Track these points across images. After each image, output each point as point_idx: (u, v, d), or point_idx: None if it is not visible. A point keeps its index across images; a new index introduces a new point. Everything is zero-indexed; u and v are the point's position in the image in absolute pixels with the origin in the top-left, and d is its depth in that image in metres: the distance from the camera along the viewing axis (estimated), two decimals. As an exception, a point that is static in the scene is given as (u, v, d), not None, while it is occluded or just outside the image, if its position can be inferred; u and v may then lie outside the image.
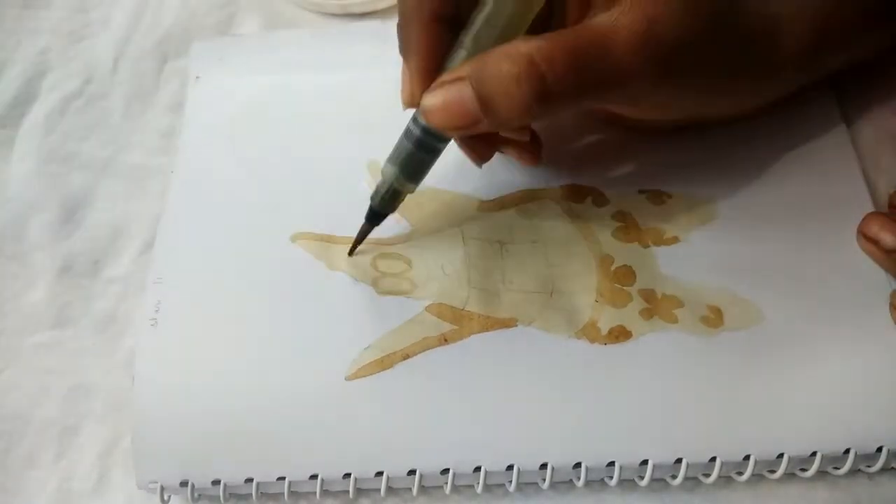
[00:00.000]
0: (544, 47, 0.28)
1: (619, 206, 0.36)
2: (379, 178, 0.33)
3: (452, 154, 0.36)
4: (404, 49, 0.31)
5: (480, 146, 0.34)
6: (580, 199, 0.36)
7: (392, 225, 0.35)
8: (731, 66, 0.32)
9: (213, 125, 0.39)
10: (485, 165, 0.34)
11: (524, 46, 0.28)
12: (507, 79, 0.28)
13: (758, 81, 0.34)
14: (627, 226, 0.35)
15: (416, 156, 0.32)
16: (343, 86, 0.40)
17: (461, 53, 0.30)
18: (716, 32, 0.30)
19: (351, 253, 0.34)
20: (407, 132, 0.31)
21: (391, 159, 0.32)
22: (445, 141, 0.31)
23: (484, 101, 0.29)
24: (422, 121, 0.30)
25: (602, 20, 0.29)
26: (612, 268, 0.34)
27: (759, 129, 0.37)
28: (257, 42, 0.42)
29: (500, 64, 0.28)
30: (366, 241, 0.35)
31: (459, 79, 0.29)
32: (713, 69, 0.31)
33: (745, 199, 0.35)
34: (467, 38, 0.30)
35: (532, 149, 0.35)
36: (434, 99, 0.30)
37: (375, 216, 0.34)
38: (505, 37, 0.29)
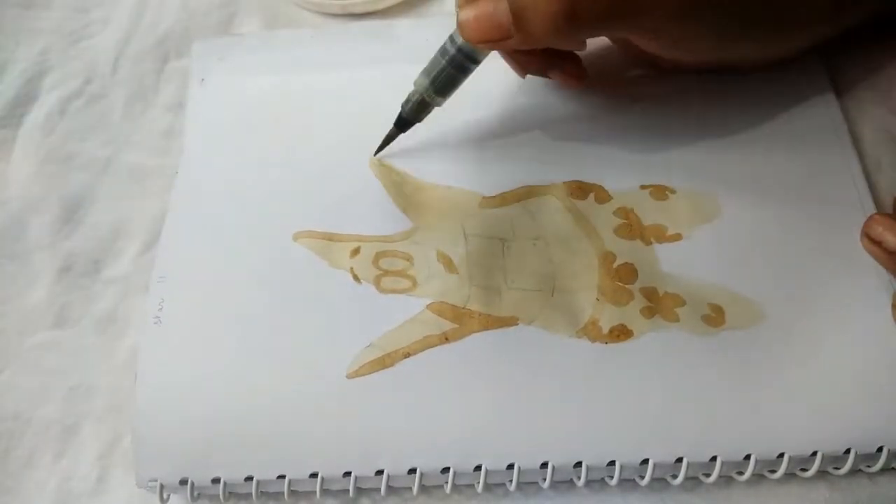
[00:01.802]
0: None
1: (622, 202, 0.36)
2: (379, 173, 0.33)
3: (453, 150, 0.36)
4: None
5: (521, 57, 0.36)
6: (582, 195, 0.36)
7: (393, 221, 0.35)
8: (748, 10, 0.33)
9: (214, 124, 0.39)
10: (486, 161, 0.34)
11: None
12: None
13: (777, 30, 0.34)
14: (630, 222, 0.35)
15: (448, 71, 0.34)
16: (343, 85, 0.40)
17: None
18: None
19: (376, 153, 0.37)
20: (442, 49, 0.34)
21: (425, 71, 0.35)
22: (476, 62, 0.34)
23: (516, 16, 0.30)
24: (458, 39, 0.33)
25: None
26: (614, 265, 0.34)
27: (760, 129, 0.37)
28: (258, 42, 0.42)
29: None
30: (367, 238, 0.35)
31: None
32: (729, 12, 0.32)
33: (746, 198, 0.35)
34: None
35: (576, 71, 0.36)
36: (468, 13, 0.31)
37: (403, 122, 0.36)
38: None
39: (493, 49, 0.33)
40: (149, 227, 0.39)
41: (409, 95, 0.35)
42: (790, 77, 0.38)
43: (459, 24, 0.32)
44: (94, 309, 0.37)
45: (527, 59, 0.36)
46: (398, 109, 0.36)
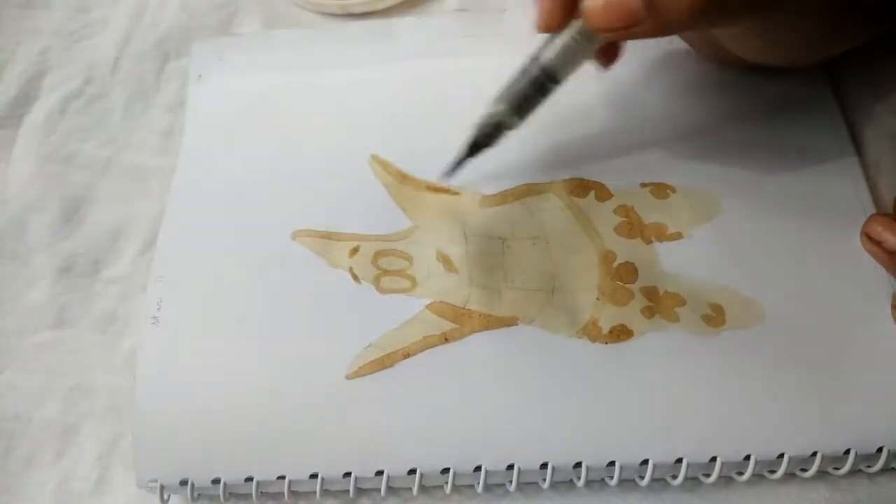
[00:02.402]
0: None
1: (622, 201, 0.36)
2: (379, 172, 0.33)
3: (453, 149, 0.36)
4: None
5: (612, 49, 0.34)
6: (583, 193, 0.36)
7: (393, 221, 0.35)
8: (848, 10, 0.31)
9: (213, 124, 0.39)
10: (485, 160, 0.34)
11: None
12: None
13: (846, 31, 0.33)
14: (630, 221, 0.35)
15: (528, 93, 0.32)
16: (343, 84, 0.40)
17: None
18: None
19: (445, 177, 0.35)
20: (523, 69, 0.32)
21: (502, 94, 0.33)
22: (558, 83, 0.32)
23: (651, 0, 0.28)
24: (542, 58, 0.32)
25: None
26: (614, 265, 0.34)
27: (761, 129, 0.37)
28: (258, 42, 0.42)
29: None
30: (366, 237, 0.35)
31: None
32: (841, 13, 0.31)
33: (747, 198, 0.35)
34: None
35: (616, 50, 0.35)
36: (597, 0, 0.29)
37: (476, 146, 0.34)
38: None
39: (618, 38, 0.31)
40: (149, 227, 0.39)
41: (485, 118, 0.33)
42: (790, 77, 0.38)
43: (586, 13, 0.30)
44: (94, 309, 0.37)
45: (614, 48, 0.34)
46: (398, 108, 0.36)
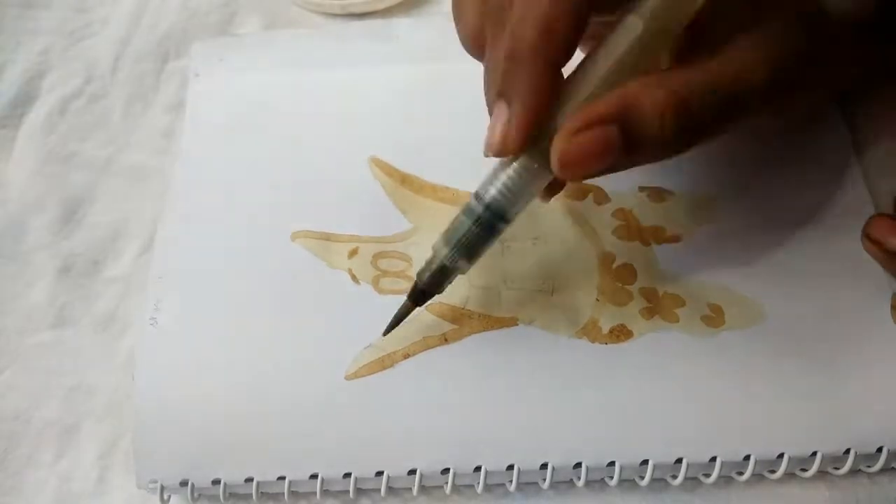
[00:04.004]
0: (693, 79, 0.26)
1: (620, 204, 0.36)
2: (378, 174, 0.33)
3: (453, 150, 0.36)
4: (507, 88, 0.26)
5: (558, 182, 0.30)
6: (581, 196, 0.36)
7: (392, 222, 0.35)
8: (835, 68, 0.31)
9: (213, 124, 0.39)
10: (485, 162, 0.34)
11: (671, 79, 0.26)
12: (658, 115, 0.25)
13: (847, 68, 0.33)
14: (628, 223, 0.35)
15: (475, 233, 0.29)
16: (343, 85, 0.40)
17: (585, 88, 0.26)
18: (828, 45, 0.29)
19: (385, 333, 0.32)
20: (466, 209, 0.29)
21: (444, 236, 0.29)
22: (508, 222, 0.29)
23: (631, 143, 0.25)
24: (485, 196, 0.28)
25: (741, 54, 0.27)
26: (613, 266, 0.34)
27: (758, 130, 0.37)
28: (258, 42, 0.42)
29: (651, 98, 0.25)
30: (366, 239, 0.35)
31: (600, 120, 0.25)
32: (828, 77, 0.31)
33: (746, 198, 0.35)
34: (593, 73, 0.26)
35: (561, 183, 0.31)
36: (573, 146, 0.26)
37: (421, 295, 0.31)
38: (639, 66, 0.26)
39: (586, 178, 0.28)
40: (149, 227, 0.39)
41: (427, 263, 0.30)
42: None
43: (560, 159, 0.26)
44: (94, 309, 0.37)
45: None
46: (397, 108, 0.36)
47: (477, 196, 0.29)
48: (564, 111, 0.26)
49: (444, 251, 0.29)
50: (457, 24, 0.30)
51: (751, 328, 0.32)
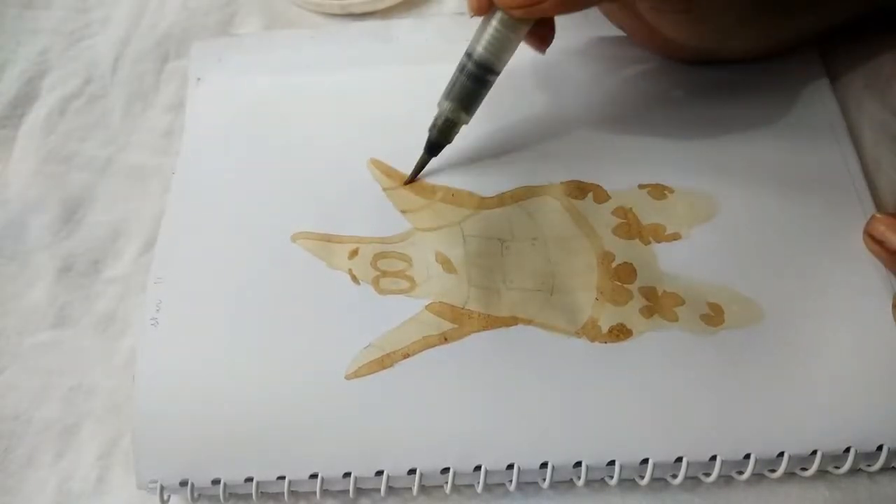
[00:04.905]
0: None
1: (620, 202, 0.36)
2: (378, 174, 0.33)
3: (453, 151, 0.36)
4: None
5: (541, 30, 0.34)
6: (581, 194, 0.36)
7: (392, 223, 0.35)
8: None
9: (213, 125, 0.39)
10: (484, 162, 0.34)
11: None
12: None
13: (777, 16, 0.34)
14: (628, 222, 0.35)
15: (467, 86, 0.34)
16: (343, 85, 0.40)
17: None
18: None
19: (408, 182, 0.36)
20: (460, 65, 0.34)
21: (445, 92, 0.35)
22: (495, 73, 0.34)
23: None
24: (473, 52, 0.33)
25: None
26: (613, 265, 0.34)
27: (760, 128, 0.37)
28: (257, 42, 0.42)
29: None
30: (366, 239, 0.35)
31: None
32: None
33: (746, 197, 0.35)
34: None
35: (546, 32, 0.35)
36: None
37: (433, 146, 0.36)
38: None
39: (526, 16, 0.32)
40: (149, 227, 0.39)
41: (434, 119, 0.35)
42: (788, 76, 0.38)
43: None
44: (94, 309, 0.37)
45: (543, 28, 0.35)
46: (397, 109, 0.36)
47: (467, 53, 0.34)
48: None
49: (446, 104, 0.35)
50: None
51: (750, 327, 0.32)
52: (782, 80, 0.38)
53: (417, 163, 0.36)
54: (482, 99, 0.35)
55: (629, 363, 0.32)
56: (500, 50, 0.33)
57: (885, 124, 0.38)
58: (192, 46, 0.42)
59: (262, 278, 0.34)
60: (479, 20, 0.33)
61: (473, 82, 0.34)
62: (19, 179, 0.41)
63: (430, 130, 0.35)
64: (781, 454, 0.30)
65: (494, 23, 0.33)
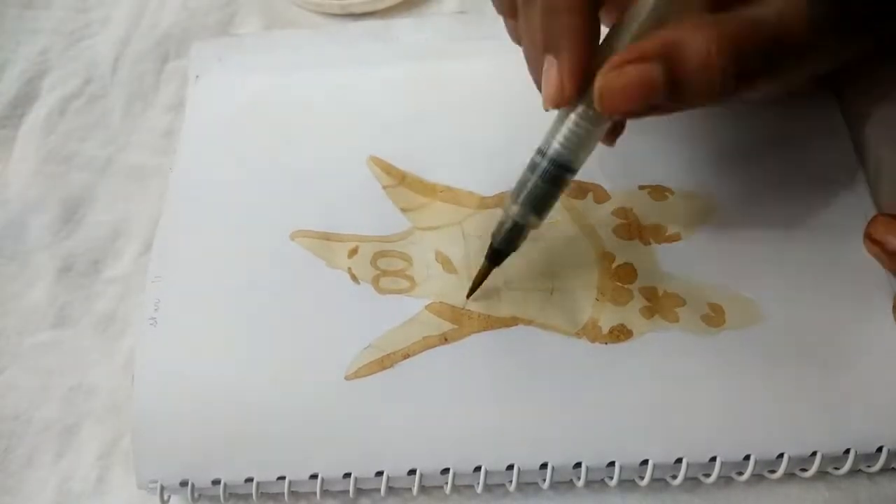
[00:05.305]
0: (737, 19, 0.26)
1: (620, 202, 0.36)
2: (378, 173, 0.32)
3: (452, 149, 0.36)
4: (551, 42, 0.28)
5: (618, 125, 0.32)
6: (581, 194, 0.36)
7: (392, 222, 0.35)
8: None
9: (212, 124, 0.39)
10: (485, 161, 0.34)
11: (716, 21, 0.26)
12: (704, 56, 0.26)
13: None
14: (629, 222, 0.35)
15: (543, 189, 0.30)
16: (342, 85, 0.40)
17: (625, 34, 0.27)
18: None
19: (469, 296, 0.33)
20: (531, 165, 0.30)
21: (514, 196, 0.30)
22: (573, 171, 0.30)
23: (676, 81, 0.26)
24: (547, 150, 0.29)
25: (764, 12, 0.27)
26: (613, 266, 0.34)
27: (760, 128, 0.37)
28: (257, 42, 0.42)
29: (695, 39, 0.26)
30: (365, 238, 0.35)
31: (643, 57, 0.26)
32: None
33: (746, 197, 0.35)
34: (632, 20, 0.27)
35: (622, 125, 0.33)
36: (615, 81, 0.26)
37: (497, 255, 0.32)
38: (671, 15, 0.27)
39: (629, 118, 0.30)
40: (149, 227, 0.39)
41: (499, 224, 0.31)
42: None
43: (602, 95, 0.27)
44: (94, 309, 0.37)
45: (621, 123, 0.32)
46: (397, 108, 0.36)
47: (540, 151, 0.30)
48: (610, 57, 0.27)
49: (515, 209, 0.30)
50: None
51: (751, 328, 0.32)
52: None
53: (478, 272, 0.32)
54: (556, 201, 0.31)
55: (629, 364, 0.32)
56: (580, 147, 0.29)
57: (886, 125, 0.37)
58: (192, 46, 0.42)
59: (261, 277, 0.34)
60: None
61: (549, 183, 0.30)
62: (19, 179, 0.41)
63: (494, 237, 0.31)
64: (781, 455, 0.30)
65: (574, 117, 0.28)
